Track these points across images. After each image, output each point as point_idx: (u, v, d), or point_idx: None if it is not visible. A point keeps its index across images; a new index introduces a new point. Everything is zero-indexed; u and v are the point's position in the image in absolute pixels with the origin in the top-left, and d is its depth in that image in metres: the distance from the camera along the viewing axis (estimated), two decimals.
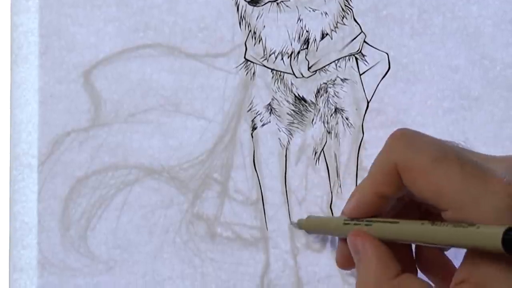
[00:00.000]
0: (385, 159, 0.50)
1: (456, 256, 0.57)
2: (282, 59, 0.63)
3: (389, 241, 0.51)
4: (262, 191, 0.63)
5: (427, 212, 0.52)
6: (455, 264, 0.55)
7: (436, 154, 0.47)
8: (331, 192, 0.63)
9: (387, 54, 0.63)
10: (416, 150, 0.48)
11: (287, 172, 0.63)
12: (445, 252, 0.56)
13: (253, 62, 0.64)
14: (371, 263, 0.50)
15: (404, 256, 0.54)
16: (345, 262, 0.56)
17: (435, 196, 0.47)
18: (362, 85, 0.64)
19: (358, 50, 0.64)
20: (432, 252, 0.55)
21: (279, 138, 0.63)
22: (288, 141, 0.63)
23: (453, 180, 0.46)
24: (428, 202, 0.48)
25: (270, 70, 0.64)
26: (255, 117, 0.64)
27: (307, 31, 0.63)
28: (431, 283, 0.55)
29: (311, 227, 0.61)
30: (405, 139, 0.50)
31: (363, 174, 0.63)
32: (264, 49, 0.63)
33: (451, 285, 0.47)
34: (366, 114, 0.63)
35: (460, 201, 0.46)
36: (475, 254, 0.46)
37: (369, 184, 0.52)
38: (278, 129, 0.64)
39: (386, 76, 0.63)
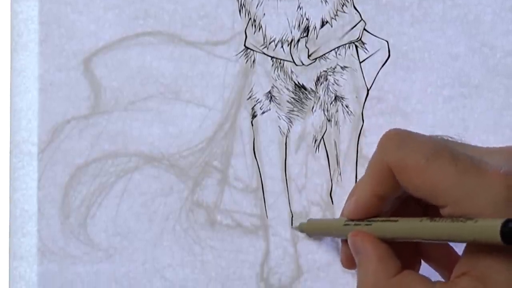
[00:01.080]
0: (379, 160, 0.51)
1: (458, 244, 0.57)
2: (282, 47, 0.63)
3: (389, 240, 0.51)
4: (262, 178, 0.63)
5: (427, 206, 0.52)
6: (457, 251, 0.55)
7: (429, 152, 0.47)
8: (331, 180, 0.63)
9: (387, 42, 0.63)
10: (409, 150, 0.48)
11: (287, 160, 0.63)
12: None
13: (253, 50, 0.63)
14: (370, 262, 0.50)
15: (407, 249, 0.54)
16: (350, 262, 0.56)
17: (431, 193, 0.47)
18: (362, 72, 0.64)
19: (358, 38, 0.63)
20: (435, 246, 0.55)
21: (279, 126, 0.63)
22: (288, 128, 0.63)
23: (448, 176, 0.46)
24: (425, 199, 0.48)
25: (270, 58, 0.64)
26: (255, 105, 0.63)
27: (307, 19, 0.63)
28: (437, 272, 0.55)
29: (313, 230, 0.61)
30: (397, 139, 0.50)
31: (363, 162, 0.63)
32: (264, 36, 0.63)
33: (451, 277, 0.47)
34: (366, 102, 0.63)
35: (457, 197, 0.46)
36: (474, 247, 0.46)
37: (366, 185, 0.52)
38: (278, 116, 0.63)
39: (386, 64, 0.63)
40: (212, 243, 0.63)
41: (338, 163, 0.63)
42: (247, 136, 0.63)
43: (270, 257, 0.63)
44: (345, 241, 0.55)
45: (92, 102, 0.63)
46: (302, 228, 0.61)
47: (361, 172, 0.63)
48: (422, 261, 0.56)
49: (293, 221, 0.63)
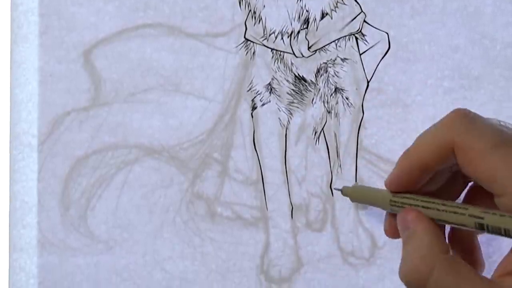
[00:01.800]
0: (443, 135, 0.50)
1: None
2: (282, 38, 0.63)
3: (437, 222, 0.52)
4: (262, 170, 0.63)
5: (474, 188, 0.52)
6: (483, 248, 0.55)
7: (496, 139, 0.47)
8: (331, 172, 0.63)
9: (387, 34, 0.63)
10: (476, 133, 0.48)
11: (287, 152, 0.63)
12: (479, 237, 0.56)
13: (253, 42, 0.63)
14: (424, 236, 0.50)
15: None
16: (394, 232, 0.56)
17: (490, 180, 0.47)
18: (362, 64, 0.63)
19: (358, 30, 0.63)
20: (465, 236, 0.55)
21: (279, 118, 0.63)
22: (288, 120, 0.63)
23: (510, 166, 0.46)
24: (482, 185, 0.48)
25: (270, 50, 0.63)
26: (255, 97, 0.63)
27: (307, 11, 0.63)
28: None
29: (356, 195, 0.60)
30: (467, 120, 0.50)
31: (363, 154, 0.63)
32: (264, 28, 0.63)
33: (495, 274, 0.47)
34: (366, 94, 0.63)
35: None
36: None
37: (415, 155, 0.52)
38: (278, 108, 0.63)
39: (386, 55, 0.63)
40: (212, 235, 0.63)
41: (338, 155, 0.63)
42: (247, 128, 0.63)
43: (270, 249, 0.63)
44: (391, 214, 0.55)
45: (92, 94, 0.63)
46: (346, 192, 0.61)
47: (361, 164, 0.63)
48: None
49: (293, 213, 0.63)
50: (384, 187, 0.57)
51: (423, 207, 0.52)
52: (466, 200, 0.54)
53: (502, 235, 0.47)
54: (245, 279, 0.62)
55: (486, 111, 0.63)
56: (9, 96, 0.63)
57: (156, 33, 0.63)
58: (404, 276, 0.49)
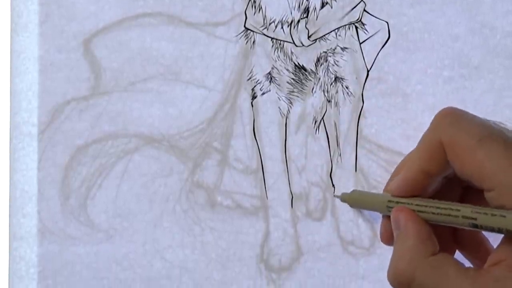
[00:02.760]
0: (432, 136, 0.50)
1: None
2: (282, 28, 0.63)
3: (431, 222, 0.51)
4: (262, 160, 0.63)
5: (468, 188, 0.52)
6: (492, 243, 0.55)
7: (482, 133, 0.47)
8: (331, 161, 0.63)
9: (387, 23, 0.63)
10: (462, 128, 0.48)
11: (287, 141, 0.63)
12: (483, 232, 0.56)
13: (253, 31, 0.63)
14: (408, 239, 0.50)
15: (445, 234, 0.54)
16: (389, 238, 0.56)
17: (478, 175, 0.47)
18: (362, 53, 0.64)
19: (358, 19, 0.63)
20: (470, 231, 0.55)
21: (279, 107, 0.63)
22: (288, 110, 0.63)
23: (498, 160, 0.46)
24: (471, 180, 0.48)
25: (270, 39, 0.63)
26: (255, 86, 0.63)
27: (307, 0, 0.63)
28: (468, 261, 0.55)
29: (354, 201, 0.61)
30: (451, 117, 0.50)
31: (363, 143, 0.63)
32: (264, 17, 0.63)
33: (485, 265, 0.47)
34: (366, 83, 0.63)
35: (503, 182, 0.46)
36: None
37: (415, 161, 0.52)
38: (278, 97, 0.63)
39: (386, 45, 0.63)
40: (212, 224, 0.63)
41: (338, 144, 0.63)
42: (247, 117, 0.63)
43: (270, 238, 0.63)
44: (386, 217, 0.55)
45: (92, 83, 0.63)
46: (344, 199, 0.61)
47: (361, 153, 0.63)
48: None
49: (293, 202, 0.63)
50: (381, 189, 0.57)
51: (418, 211, 0.52)
52: (461, 198, 0.54)
53: (496, 232, 0.47)
54: (245, 268, 0.62)
55: (486, 101, 0.63)
56: (9, 85, 0.63)
57: (156, 22, 0.63)
58: (390, 278, 0.50)
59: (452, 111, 0.51)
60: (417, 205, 0.52)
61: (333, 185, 0.63)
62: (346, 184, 0.63)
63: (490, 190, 0.46)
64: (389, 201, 0.54)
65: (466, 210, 0.49)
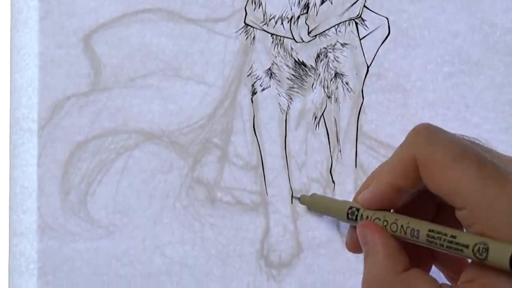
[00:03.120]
0: (405, 152, 0.50)
1: None
2: (282, 23, 0.63)
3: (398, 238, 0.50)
4: (262, 156, 0.63)
5: (441, 204, 0.52)
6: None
7: (456, 152, 0.47)
8: (331, 157, 0.63)
9: (387, 19, 0.63)
10: (437, 146, 0.48)
11: (287, 137, 0.63)
12: None
13: (253, 27, 0.63)
14: (378, 256, 0.49)
15: (421, 247, 0.54)
16: (355, 247, 0.55)
17: (451, 193, 0.46)
18: (362, 49, 0.64)
19: (358, 15, 0.64)
20: None
21: (279, 103, 0.63)
22: (288, 105, 0.63)
23: (471, 179, 0.45)
24: (443, 198, 0.48)
25: (270, 35, 0.64)
26: (255, 82, 0.64)
27: None
28: (445, 276, 0.54)
29: (314, 205, 0.61)
30: (426, 134, 0.49)
31: (363, 139, 0.63)
32: (264, 13, 0.63)
33: (458, 283, 0.47)
34: (366, 79, 0.63)
35: (476, 202, 0.45)
36: None
37: (387, 175, 0.51)
38: (278, 93, 0.64)
39: (386, 41, 0.63)
40: (212, 220, 0.63)
41: (338, 140, 0.63)
42: (247, 113, 0.63)
43: (270, 234, 0.63)
44: (353, 227, 0.55)
45: (92, 79, 0.63)
46: (304, 201, 0.61)
47: (361, 149, 0.63)
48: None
49: (293, 198, 0.63)
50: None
51: (385, 226, 0.50)
52: (436, 213, 0.54)
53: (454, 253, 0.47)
54: (245, 264, 0.62)
55: (486, 97, 0.63)
56: (9, 81, 0.63)
57: (156, 18, 0.63)
58: None
59: (428, 127, 0.50)
60: (384, 220, 0.50)
61: (333, 181, 0.63)
62: (346, 180, 0.63)
63: (462, 209, 0.46)
64: (350, 207, 0.53)
65: (423, 227, 0.48)
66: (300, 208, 0.63)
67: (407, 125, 0.62)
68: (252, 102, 0.63)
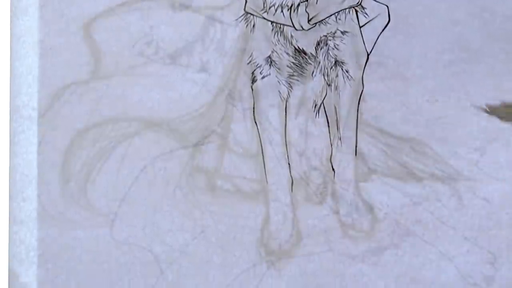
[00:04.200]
0: None
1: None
2: (282, 11, 0.63)
3: None
4: (262, 143, 0.63)
5: None
6: None
7: None
8: (331, 145, 0.63)
9: (387, 7, 0.63)
10: None
11: (286, 125, 0.63)
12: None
13: (253, 15, 0.63)
14: None
15: None
16: None
17: None
18: (362, 37, 0.63)
19: (358, 3, 0.63)
20: None
21: (279, 91, 0.63)
22: (288, 93, 0.63)
23: None
24: None
25: (270, 23, 0.63)
26: (255, 70, 0.63)
27: None
28: None
29: None
30: None
31: (363, 127, 0.63)
32: (264, 1, 0.63)
33: None
34: (366, 67, 0.63)
35: None
36: None
37: None
38: (278, 81, 0.63)
39: (386, 28, 0.63)
40: (212, 208, 0.63)
41: (338, 128, 0.63)
42: (247, 101, 0.63)
43: (270, 222, 0.63)
44: None
45: (92, 67, 0.63)
46: None
47: (361, 137, 0.63)
48: None
49: (293, 186, 0.63)
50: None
51: None
52: None
53: None
54: (245, 252, 0.62)
55: (486, 85, 0.63)
56: (9, 69, 0.63)
57: (156, 6, 0.63)
58: None
59: None
60: None
61: (333, 169, 0.63)
62: (346, 168, 0.63)
63: None
64: None
65: None
66: (300, 196, 0.63)
67: (407, 113, 0.62)
68: (252, 90, 0.63)
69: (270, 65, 0.63)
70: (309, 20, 0.63)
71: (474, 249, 0.55)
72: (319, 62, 0.63)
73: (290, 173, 0.63)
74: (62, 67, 0.63)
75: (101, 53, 0.63)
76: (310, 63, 0.63)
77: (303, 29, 0.63)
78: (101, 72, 0.63)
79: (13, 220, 0.63)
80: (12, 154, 0.63)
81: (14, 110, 0.63)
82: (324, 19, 0.63)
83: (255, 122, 0.63)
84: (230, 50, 0.63)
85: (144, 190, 0.63)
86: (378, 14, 0.63)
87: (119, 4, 0.63)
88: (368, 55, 0.63)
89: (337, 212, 0.63)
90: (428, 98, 0.61)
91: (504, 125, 0.62)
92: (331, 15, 0.63)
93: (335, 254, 0.62)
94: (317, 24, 0.63)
